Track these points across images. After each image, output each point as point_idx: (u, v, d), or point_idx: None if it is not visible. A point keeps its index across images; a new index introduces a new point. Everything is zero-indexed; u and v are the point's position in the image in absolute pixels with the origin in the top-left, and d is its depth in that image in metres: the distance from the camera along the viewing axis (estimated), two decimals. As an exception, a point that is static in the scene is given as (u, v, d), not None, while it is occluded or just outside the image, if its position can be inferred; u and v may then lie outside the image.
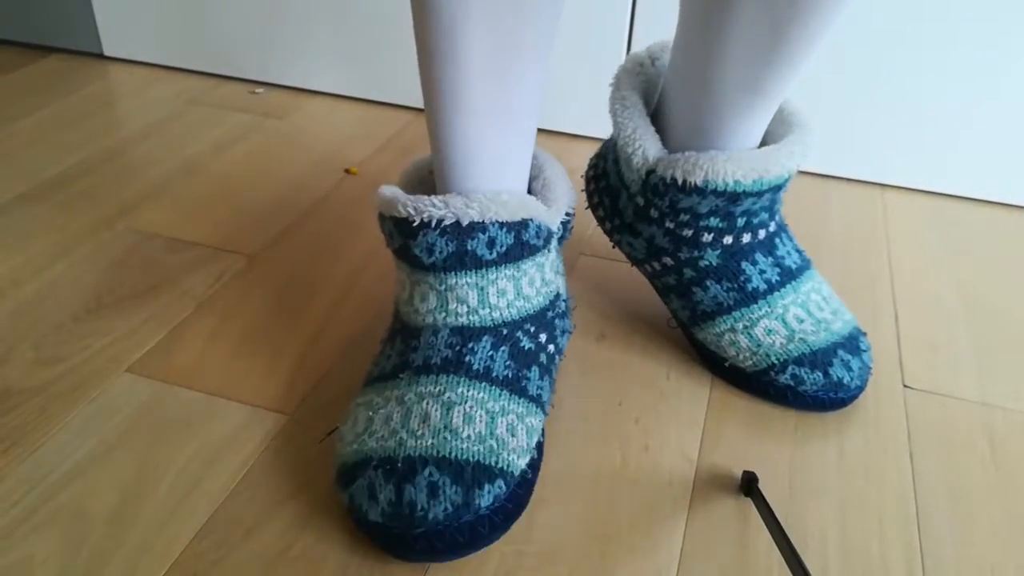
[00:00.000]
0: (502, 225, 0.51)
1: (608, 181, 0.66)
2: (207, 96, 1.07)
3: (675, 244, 0.61)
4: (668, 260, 0.62)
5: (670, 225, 0.60)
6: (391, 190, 0.53)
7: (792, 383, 0.58)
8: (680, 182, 0.57)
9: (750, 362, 0.60)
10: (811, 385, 0.58)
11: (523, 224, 0.52)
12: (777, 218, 0.61)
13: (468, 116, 0.50)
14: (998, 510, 0.53)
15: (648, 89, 0.63)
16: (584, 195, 0.70)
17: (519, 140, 0.53)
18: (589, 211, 0.72)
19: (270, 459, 0.54)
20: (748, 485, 0.52)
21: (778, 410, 0.60)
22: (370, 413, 0.51)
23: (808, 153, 0.58)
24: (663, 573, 0.48)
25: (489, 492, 0.47)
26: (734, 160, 0.55)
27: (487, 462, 0.48)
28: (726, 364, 0.61)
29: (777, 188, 0.58)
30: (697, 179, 0.56)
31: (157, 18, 1.10)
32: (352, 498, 0.48)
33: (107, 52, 1.15)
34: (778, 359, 0.59)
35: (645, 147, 0.59)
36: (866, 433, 0.59)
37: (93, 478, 0.52)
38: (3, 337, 0.64)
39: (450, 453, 0.48)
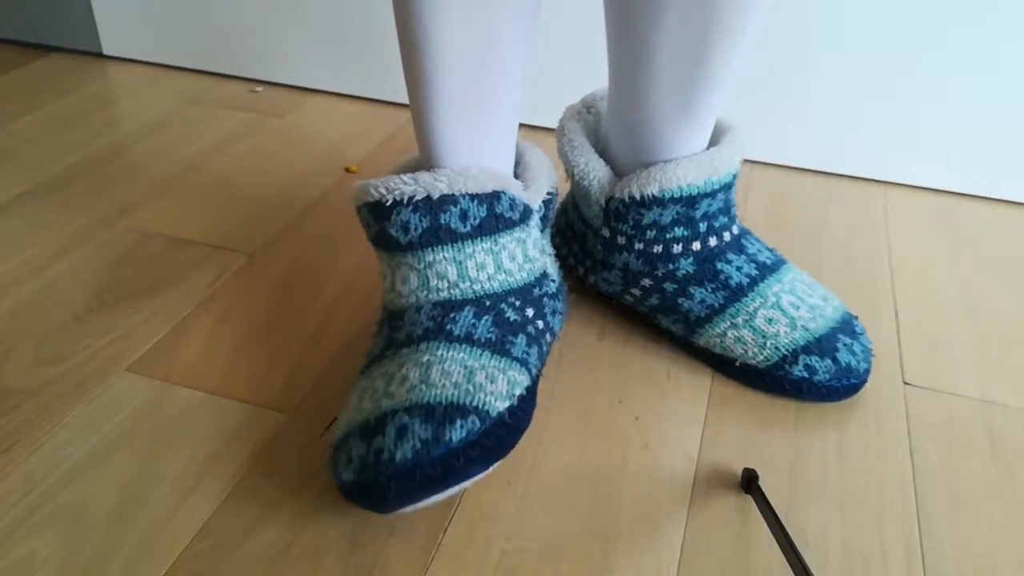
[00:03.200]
0: (473, 197, 0.52)
1: (573, 230, 0.68)
2: (207, 95, 1.07)
3: (650, 264, 0.62)
4: (647, 281, 0.63)
5: (639, 246, 0.62)
6: (363, 181, 0.54)
7: (806, 374, 0.59)
8: (639, 197, 0.59)
9: (761, 356, 0.60)
10: (824, 373, 0.59)
11: (495, 196, 0.53)
12: (738, 222, 0.64)
13: (446, 105, 0.51)
14: (998, 507, 0.53)
15: (589, 134, 0.67)
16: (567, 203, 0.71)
17: (499, 131, 0.54)
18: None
19: (270, 458, 0.54)
20: (748, 482, 0.52)
21: (778, 407, 0.60)
22: (360, 394, 0.52)
23: (743, 151, 0.62)
24: (664, 570, 0.48)
25: (462, 427, 0.46)
26: (683, 166, 0.58)
27: (460, 402, 0.47)
28: (736, 364, 0.61)
29: (727, 187, 0.61)
30: (653, 190, 0.59)
31: (156, 17, 1.10)
32: (335, 470, 0.48)
33: (106, 51, 1.15)
34: (788, 350, 0.59)
35: (599, 177, 0.62)
36: (866, 430, 0.59)
37: (94, 477, 0.52)
38: (3, 337, 0.64)
39: (422, 399, 0.47)
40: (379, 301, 0.70)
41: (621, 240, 0.63)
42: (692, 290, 0.62)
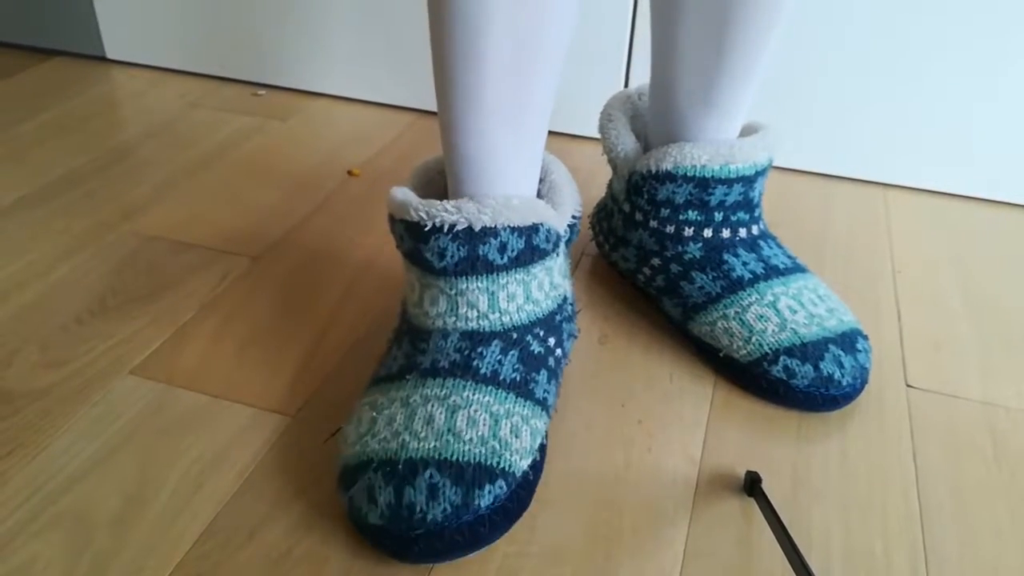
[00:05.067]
0: (514, 230, 0.51)
1: (607, 210, 0.71)
2: (209, 98, 1.07)
3: (660, 243, 0.64)
4: (656, 261, 0.64)
5: (654, 224, 0.64)
6: (403, 192, 0.53)
7: (784, 376, 0.59)
8: (654, 171, 0.61)
9: (744, 351, 0.60)
10: (802, 379, 0.58)
11: (534, 228, 0.52)
12: (761, 225, 0.65)
13: (484, 116, 0.51)
14: (1001, 508, 0.53)
15: (635, 119, 0.70)
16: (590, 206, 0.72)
17: (531, 141, 0.54)
18: (590, 214, 0.74)
19: (273, 461, 0.54)
20: (751, 485, 0.52)
21: (781, 410, 0.60)
22: (374, 414, 0.51)
23: (773, 150, 0.63)
24: (667, 573, 0.48)
25: (489, 492, 0.47)
26: (700, 146, 0.60)
27: (489, 463, 0.48)
28: (720, 355, 0.62)
29: (747, 180, 0.61)
30: (668, 165, 0.61)
31: (159, 21, 1.10)
32: (352, 500, 0.48)
33: (110, 55, 1.16)
34: (770, 348, 0.59)
35: (627, 150, 0.65)
36: (869, 432, 0.59)
37: (97, 481, 0.52)
38: (7, 340, 0.64)
39: (452, 455, 0.47)
40: (384, 304, 0.70)
41: (638, 216, 0.65)
42: (694, 275, 0.63)
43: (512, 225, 0.51)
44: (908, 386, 0.63)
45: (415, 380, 0.51)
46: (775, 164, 0.95)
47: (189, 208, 0.83)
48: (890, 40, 0.85)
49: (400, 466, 0.47)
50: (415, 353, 0.53)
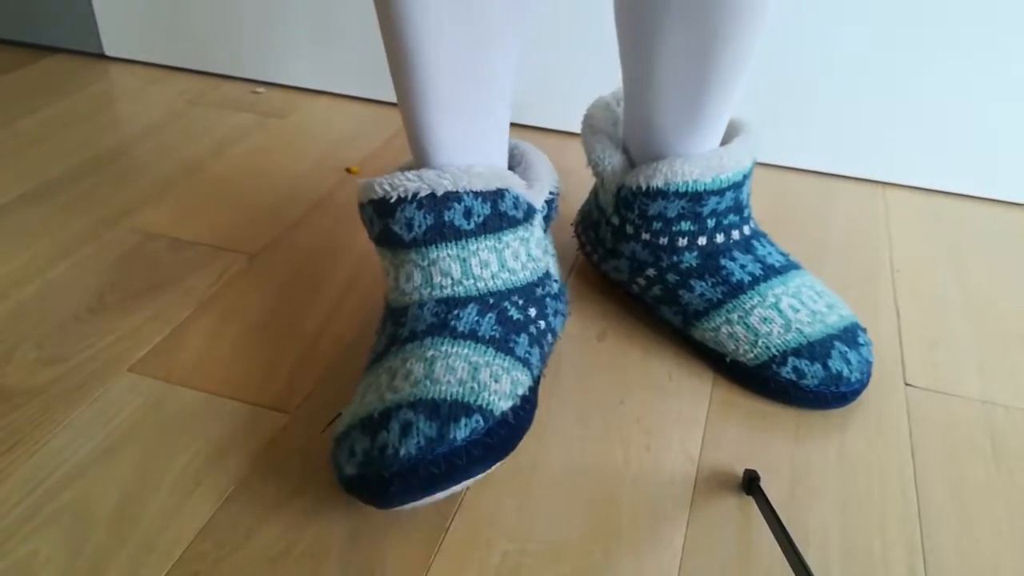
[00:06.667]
0: (477, 195, 0.52)
1: (592, 218, 0.70)
2: (208, 96, 1.07)
3: (655, 254, 0.63)
4: (651, 271, 0.64)
5: (646, 236, 0.63)
6: (367, 179, 0.54)
7: (794, 377, 0.58)
8: (644, 188, 0.61)
9: (751, 354, 0.60)
10: (812, 378, 0.58)
11: (498, 194, 0.53)
12: (751, 224, 0.64)
13: (437, 112, 0.52)
14: (999, 507, 0.53)
15: (617, 125, 0.68)
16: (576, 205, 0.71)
17: (492, 131, 0.55)
18: (574, 221, 0.74)
19: (271, 458, 0.54)
20: (750, 483, 0.52)
21: (779, 409, 0.60)
22: (364, 391, 0.52)
23: (757, 151, 0.63)
24: (665, 571, 0.48)
25: (466, 425, 0.46)
26: (691, 161, 0.59)
27: (465, 400, 0.47)
28: (727, 360, 0.62)
29: (736, 185, 0.61)
30: (658, 182, 0.60)
31: (158, 18, 1.10)
32: (337, 462, 0.48)
33: (108, 52, 1.16)
34: (778, 350, 0.59)
35: (613, 164, 0.64)
36: (868, 431, 0.59)
37: (95, 477, 0.52)
38: (6, 337, 0.64)
39: (427, 395, 0.47)
40: (380, 302, 0.70)
41: (629, 229, 0.64)
42: (693, 283, 0.62)
43: (475, 190, 0.52)
44: (907, 385, 0.63)
45: (397, 348, 0.52)
46: (774, 163, 0.95)
47: (187, 205, 0.83)
48: (889, 39, 0.85)
49: (376, 416, 0.47)
50: (396, 328, 0.54)
